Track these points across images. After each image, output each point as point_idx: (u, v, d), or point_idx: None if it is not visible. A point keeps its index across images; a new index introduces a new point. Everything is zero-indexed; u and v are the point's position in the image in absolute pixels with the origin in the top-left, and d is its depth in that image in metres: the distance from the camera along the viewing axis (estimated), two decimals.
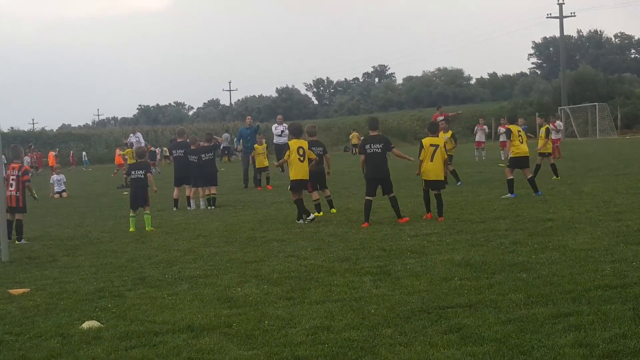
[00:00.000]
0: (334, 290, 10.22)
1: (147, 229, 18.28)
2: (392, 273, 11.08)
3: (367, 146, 17.15)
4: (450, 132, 26.08)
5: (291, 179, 18.11)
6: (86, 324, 9.07)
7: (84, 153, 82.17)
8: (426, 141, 17.56)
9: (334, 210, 19.22)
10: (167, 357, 7.63)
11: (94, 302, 10.43)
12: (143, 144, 37.20)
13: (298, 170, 17.88)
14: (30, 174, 18.50)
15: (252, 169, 30.56)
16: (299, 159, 17.88)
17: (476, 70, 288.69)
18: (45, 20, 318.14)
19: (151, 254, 14.53)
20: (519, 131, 21.12)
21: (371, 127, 17.83)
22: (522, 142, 21.01)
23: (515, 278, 10.14)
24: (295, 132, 18.82)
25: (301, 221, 17.55)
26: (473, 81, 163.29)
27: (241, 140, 32.69)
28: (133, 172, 19.11)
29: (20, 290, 11.47)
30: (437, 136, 18.28)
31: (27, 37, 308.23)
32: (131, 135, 39.75)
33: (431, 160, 17.32)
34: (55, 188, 33.87)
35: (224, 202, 24.26)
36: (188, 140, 24.35)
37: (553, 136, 37.46)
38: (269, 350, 7.63)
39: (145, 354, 7.79)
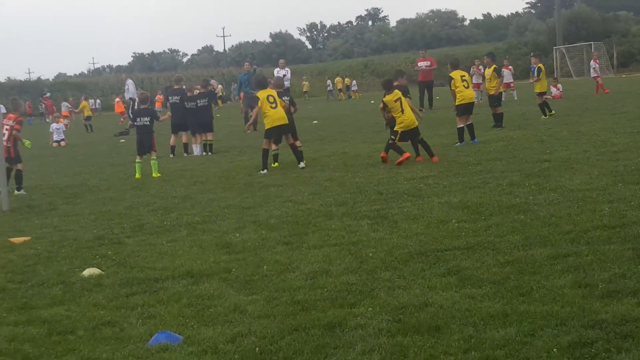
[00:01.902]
0: (332, 234, 10.25)
1: (153, 175, 18.36)
2: (390, 216, 11.10)
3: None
4: (493, 66, 24.62)
5: (267, 127, 17.88)
6: (87, 271, 9.12)
7: (96, 101, 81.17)
8: (388, 99, 17.55)
9: (304, 164, 18.02)
10: (167, 303, 7.68)
11: (94, 250, 10.48)
12: (132, 93, 37.04)
13: (273, 118, 17.69)
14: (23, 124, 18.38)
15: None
16: (271, 106, 17.67)
17: (470, 11, 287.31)
18: None
19: (149, 201, 14.55)
20: (462, 76, 20.42)
21: (395, 77, 18.10)
22: (467, 87, 20.36)
23: (513, 219, 10.15)
24: (261, 84, 18.48)
25: (265, 171, 17.43)
26: (467, 22, 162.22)
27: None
28: (139, 119, 19.07)
29: (21, 239, 11.51)
30: (392, 92, 17.62)
31: None
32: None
33: (402, 112, 17.38)
34: (54, 137, 33.91)
35: (221, 148, 24.23)
36: (184, 87, 24.26)
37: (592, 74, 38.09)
38: (269, 295, 7.68)
39: (146, 300, 7.85)
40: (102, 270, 9.18)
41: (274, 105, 17.68)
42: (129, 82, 38.95)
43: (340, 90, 74.30)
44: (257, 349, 6.21)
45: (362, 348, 6.04)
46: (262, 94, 17.82)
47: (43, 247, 10.93)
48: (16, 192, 16.98)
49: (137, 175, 18.45)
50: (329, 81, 78.42)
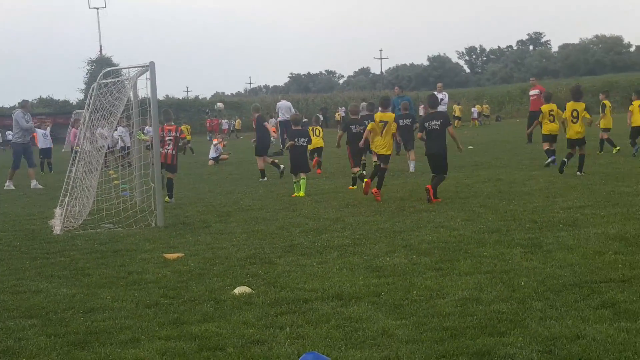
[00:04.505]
0: (484, 261, 10.10)
1: (300, 194, 18.95)
2: (544, 246, 10.86)
3: (427, 123, 16.84)
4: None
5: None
6: (238, 290, 9.27)
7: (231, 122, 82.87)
8: (377, 116, 18.16)
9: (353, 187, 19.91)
10: (316, 324, 7.71)
11: (245, 268, 10.64)
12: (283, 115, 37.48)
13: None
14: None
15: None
16: (572, 121, 19.72)
17: (637, 36, 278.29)
18: None
19: (301, 222, 14.71)
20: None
21: (431, 106, 17.68)
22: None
23: None
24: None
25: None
26: (633, 48, 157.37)
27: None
28: (296, 140, 19.70)
29: (175, 255, 11.82)
30: (388, 112, 18.75)
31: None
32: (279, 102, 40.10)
33: (380, 135, 17.88)
34: (210, 154, 34.72)
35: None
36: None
37: None
38: (417, 320, 7.61)
39: (295, 320, 7.90)
40: (253, 289, 9.31)
41: (575, 120, 19.74)
42: (281, 104, 39.25)
43: (456, 118, 72.64)
44: None
45: None
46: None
47: (196, 264, 11.17)
48: (167, 199, 17.90)
49: (299, 194, 19.02)
50: (473, 108, 75.90)
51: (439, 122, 16.63)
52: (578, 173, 19.64)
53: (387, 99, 19.98)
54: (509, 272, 9.42)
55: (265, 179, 23.99)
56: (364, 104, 28.84)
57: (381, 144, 17.89)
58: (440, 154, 16.61)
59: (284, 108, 38.18)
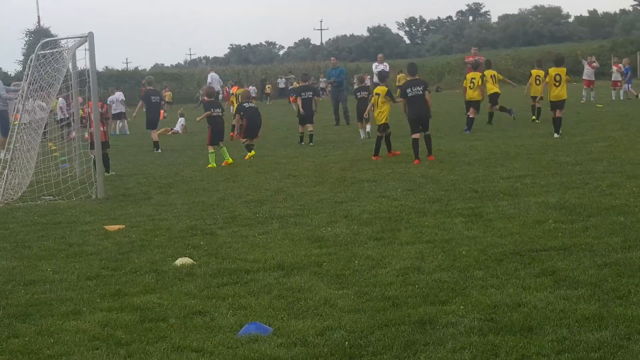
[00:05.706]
0: (425, 231, 10.16)
1: (230, 161, 19.57)
2: (484, 215, 10.94)
3: (409, 90, 18.06)
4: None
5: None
6: (179, 261, 9.22)
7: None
8: (376, 89, 19.84)
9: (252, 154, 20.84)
10: (258, 295, 7.70)
11: (187, 240, 10.59)
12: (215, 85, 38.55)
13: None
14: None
15: (342, 106, 31.05)
16: (555, 84, 20.95)
17: (575, 7, 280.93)
18: None
19: (242, 193, 14.66)
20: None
21: (411, 73, 19.28)
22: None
23: (612, 221, 9.91)
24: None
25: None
26: (571, 19, 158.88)
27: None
28: (213, 110, 20.46)
29: (116, 227, 11.72)
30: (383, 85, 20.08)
31: None
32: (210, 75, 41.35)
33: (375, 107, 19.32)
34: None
35: (315, 141, 24.27)
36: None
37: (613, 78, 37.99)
38: (359, 289, 7.63)
39: (237, 291, 7.88)
40: (194, 260, 9.27)
41: (557, 84, 20.94)
42: (213, 75, 40.71)
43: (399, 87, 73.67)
44: (347, 343, 6.18)
45: (452, 346, 5.95)
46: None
47: (137, 235, 11.09)
48: (106, 173, 17.95)
49: (212, 165, 19.42)
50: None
51: (421, 88, 17.96)
52: (556, 135, 20.85)
53: (383, 73, 22.01)
54: (450, 241, 9.49)
55: (160, 150, 24.78)
56: (291, 76, 29.64)
57: (377, 115, 19.18)
58: (426, 118, 18.27)
59: (215, 80, 39.87)
